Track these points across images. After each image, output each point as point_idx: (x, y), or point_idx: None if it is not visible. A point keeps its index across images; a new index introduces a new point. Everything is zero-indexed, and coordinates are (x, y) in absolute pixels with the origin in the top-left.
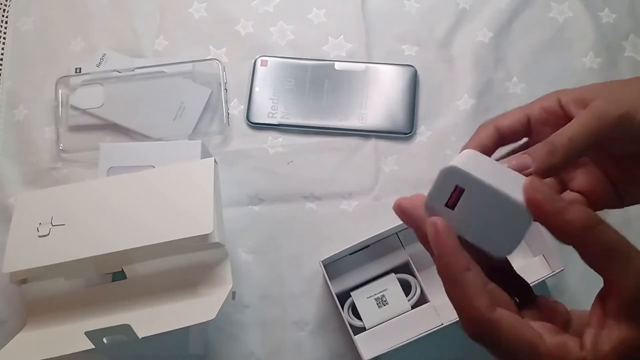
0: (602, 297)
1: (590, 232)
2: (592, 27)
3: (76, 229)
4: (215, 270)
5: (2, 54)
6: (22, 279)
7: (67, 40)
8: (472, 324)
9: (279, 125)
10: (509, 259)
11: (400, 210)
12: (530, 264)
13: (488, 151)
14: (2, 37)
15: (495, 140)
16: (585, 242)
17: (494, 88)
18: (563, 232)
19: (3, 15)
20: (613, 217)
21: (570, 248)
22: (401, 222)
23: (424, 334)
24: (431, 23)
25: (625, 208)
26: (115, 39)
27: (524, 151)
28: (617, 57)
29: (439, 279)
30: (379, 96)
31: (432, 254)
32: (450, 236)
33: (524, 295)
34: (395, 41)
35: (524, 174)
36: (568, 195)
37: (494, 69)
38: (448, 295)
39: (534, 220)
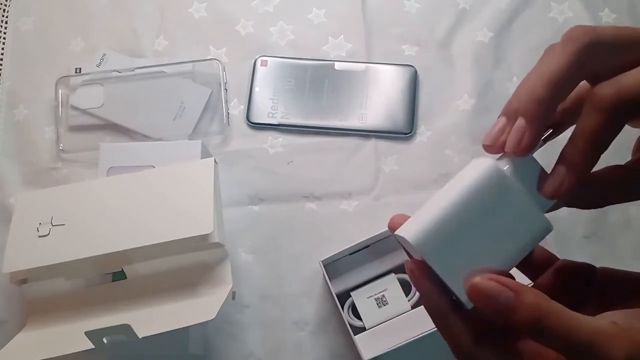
0: None
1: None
2: None
3: (76, 229)
4: (215, 270)
5: (2, 54)
6: (22, 279)
7: (67, 40)
8: (461, 357)
9: (279, 125)
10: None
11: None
12: None
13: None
14: (2, 37)
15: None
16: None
17: (494, 88)
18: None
19: (3, 15)
20: (613, 217)
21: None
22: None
23: (424, 334)
24: (431, 23)
25: (626, 208)
26: (115, 39)
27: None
28: None
29: None
30: (379, 96)
31: None
32: (426, 280)
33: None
34: (395, 41)
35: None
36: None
37: (494, 69)
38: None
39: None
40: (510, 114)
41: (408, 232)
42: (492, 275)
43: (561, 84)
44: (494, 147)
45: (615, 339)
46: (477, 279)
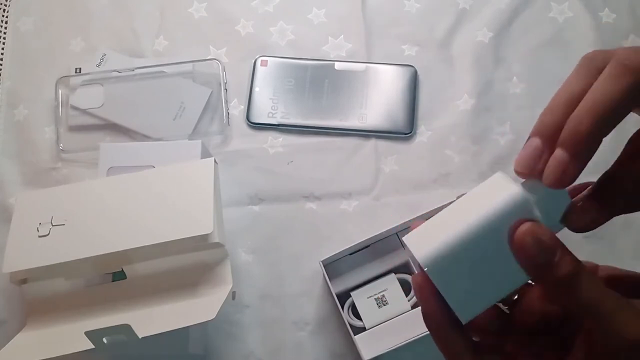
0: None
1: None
2: (592, 27)
3: (76, 229)
4: (215, 270)
5: (2, 54)
6: (22, 279)
7: (67, 40)
8: None
9: (279, 125)
10: None
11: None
12: None
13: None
14: (2, 37)
15: None
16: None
17: (494, 88)
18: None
19: (3, 15)
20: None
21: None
22: (401, 222)
23: (424, 334)
24: (431, 23)
25: None
26: (115, 39)
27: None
28: None
29: None
30: (379, 96)
31: None
32: (430, 297)
33: None
34: (395, 41)
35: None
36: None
37: (494, 69)
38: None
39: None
40: (545, 135)
41: (419, 250)
42: (537, 228)
43: (611, 120)
44: (529, 174)
45: (636, 319)
46: (524, 229)
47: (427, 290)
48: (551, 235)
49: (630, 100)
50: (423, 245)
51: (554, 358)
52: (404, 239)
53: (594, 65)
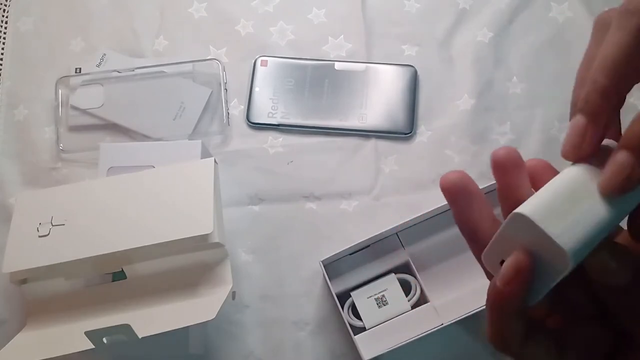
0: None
1: None
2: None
3: (76, 229)
4: (215, 270)
5: (2, 54)
6: (22, 279)
7: (67, 40)
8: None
9: (279, 125)
10: None
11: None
12: None
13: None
14: (2, 37)
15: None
16: None
17: (494, 88)
18: None
19: (3, 15)
20: None
21: None
22: (401, 222)
23: (424, 334)
24: (431, 23)
25: None
26: (115, 39)
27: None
28: None
29: (439, 279)
30: (379, 96)
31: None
32: (526, 281)
33: None
34: (395, 41)
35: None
36: None
37: (494, 69)
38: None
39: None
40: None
41: (562, 237)
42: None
43: (625, 70)
44: (578, 158)
45: None
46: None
47: (529, 275)
48: None
49: None
50: (560, 230)
51: (608, 345)
52: (526, 214)
53: (605, 25)
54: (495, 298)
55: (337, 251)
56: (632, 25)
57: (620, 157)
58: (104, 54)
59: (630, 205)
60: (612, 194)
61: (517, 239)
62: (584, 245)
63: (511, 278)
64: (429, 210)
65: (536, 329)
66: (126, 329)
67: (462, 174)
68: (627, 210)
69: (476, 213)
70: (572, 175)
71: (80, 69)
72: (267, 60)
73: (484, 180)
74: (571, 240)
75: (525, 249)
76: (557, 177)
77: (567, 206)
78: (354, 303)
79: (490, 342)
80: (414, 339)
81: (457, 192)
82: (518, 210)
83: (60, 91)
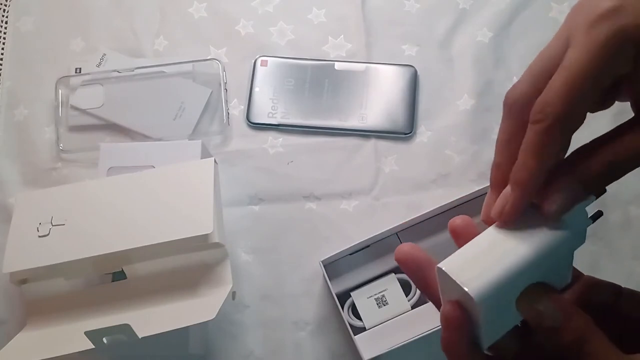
0: None
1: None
2: None
3: (76, 229)
4: (215, 270)
5: (2, 54)
6: (22, 279)
7: (67, 40)
8: None
9: (279, 125)
10: None
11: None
12: None
13: None
14: (2, 37)
15: None
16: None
17: (494, 88)
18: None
19: (3, 15)
20: (613, 216)
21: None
22: (401, 222)
23: (424, 334)
24: (431, 23)
25: (626, 208)
26: (115, 39)
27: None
28: None
29: None
30: (379, 96)
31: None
32: (460, 328)
33: None
34: (395, 41)
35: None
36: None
37: (494, 69)
38: None
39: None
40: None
41: (470, 282)
42: (551, 295)
43: (586, 90)
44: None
45: None
46: (530, 292)
47: (458, 322)
48: (556, 299)
49: (603, 67)
50: (469, 277)
51: None
52: (443, 267)
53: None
54: (441, 344)
55: (337, 251)
56: (591, 45)
57: (506, 190)
58: (104, 54)
59: (541, 250)
60: (501, 222)
61: (448, 292)
62: (495, 289)
63: (444, 327)
64: (429, 210)
65: None
66: (126, 329)
67: (412, 246)
68: (539, 254)
69: (432, 279)
70: (490, 231)
71: (80, 69)
72: (267, 60)
73: (484, 180)
74: (478, 285)
75: (452, 300)
76: (481, 234)
77: (480, 257)
78: (354, 303)
79: None
80: (414, 339)
81: (411, 263)
82: (438, 264)
83: (60, 91)
